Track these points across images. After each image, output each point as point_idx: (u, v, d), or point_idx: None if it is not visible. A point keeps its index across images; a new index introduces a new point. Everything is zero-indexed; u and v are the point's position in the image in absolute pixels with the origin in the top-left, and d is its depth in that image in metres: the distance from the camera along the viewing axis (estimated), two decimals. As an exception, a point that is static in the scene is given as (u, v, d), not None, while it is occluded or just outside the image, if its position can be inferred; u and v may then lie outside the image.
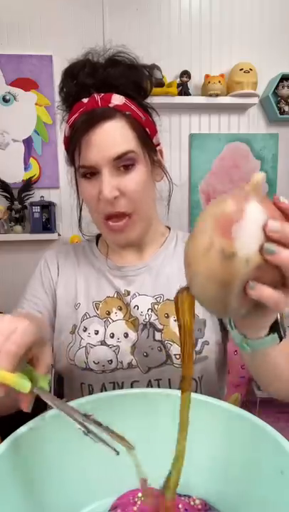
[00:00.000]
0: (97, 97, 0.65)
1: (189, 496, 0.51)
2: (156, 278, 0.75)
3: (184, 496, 0.51)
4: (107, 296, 0.74)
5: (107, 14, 1.97)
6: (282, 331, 0.45)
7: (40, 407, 0.48)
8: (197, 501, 0.50)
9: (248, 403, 2.08)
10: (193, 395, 0.45)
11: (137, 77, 0.69)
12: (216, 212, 0.29)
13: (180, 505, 0.48)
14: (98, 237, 0.84)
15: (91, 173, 0.66)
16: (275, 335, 0.44)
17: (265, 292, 0.32)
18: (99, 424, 0.41)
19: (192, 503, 0.50)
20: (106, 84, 0.67)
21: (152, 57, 2.04)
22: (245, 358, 0.54)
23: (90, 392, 0.72)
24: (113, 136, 0.64)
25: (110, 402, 0.53)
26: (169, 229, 0.83)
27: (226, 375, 0.82)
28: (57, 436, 0.48)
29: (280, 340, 0.45)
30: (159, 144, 0.73)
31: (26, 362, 0.46)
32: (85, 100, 0.66)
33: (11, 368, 0.41)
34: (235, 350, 2.11)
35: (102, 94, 0.66)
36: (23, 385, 0.42)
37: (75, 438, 0.43)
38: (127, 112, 0.66)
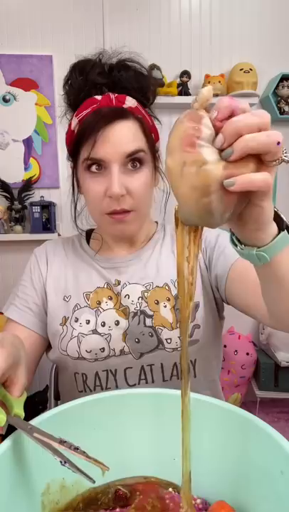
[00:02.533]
0: (112, 95, 0.68)
1: (190, 496, 0.51)
2: (145, 267, 0.77)
3: (185, 495, 0.51)
4: (98, 287, 0.76)
5: (107, 14, 1.96)
6: None
7: (38, 408, 0.48)
8: (198, 501, 0.50)
9: (248, 403, 2.08)
10: (193, 395, 0.45)
11: (145, 85, 0.72)
12: (179, 134, 0.34)
13: (181, 505, 0.48)
14: (89, 234, 0.85)
15: (98, 165, 0.67)
16: (285, 232, 0.42)
17: (251, 178, 0.33)
18: (75, 449, 0.41)
19: (193, 502, 0.50)
20: (118, 86, 0.69)
21: (152, 57, 2.05)
22: (260, 276, 0.49)
23: (84, 382, 0.73)
24: (127, 135, 0.66)
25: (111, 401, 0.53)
26: (157, 223, 0.86)
27: (221, 363, 0.83)
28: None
29: None
30: (158, 151, 0.76)
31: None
32: (98, 97, 0.68)
33: None
34: (235, 350, 2.12)
35: (117, 95, 0.68)
36: None
37: (75, 437, 0.43)
38: (139, 116, 0.69)
